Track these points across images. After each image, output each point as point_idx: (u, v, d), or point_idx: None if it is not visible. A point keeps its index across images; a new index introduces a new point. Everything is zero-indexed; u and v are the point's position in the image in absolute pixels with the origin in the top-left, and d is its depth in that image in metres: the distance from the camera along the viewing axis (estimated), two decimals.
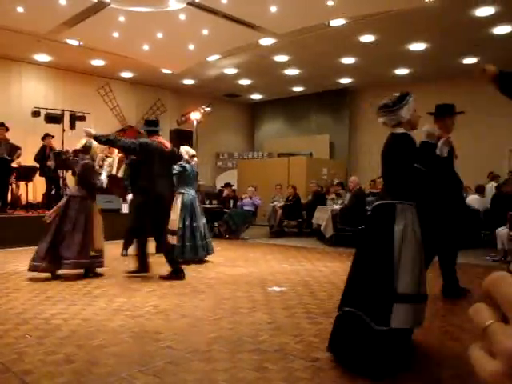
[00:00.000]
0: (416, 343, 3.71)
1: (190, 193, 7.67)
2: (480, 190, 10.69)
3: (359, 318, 3.10)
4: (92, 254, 6.09)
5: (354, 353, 3.12)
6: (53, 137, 11.26)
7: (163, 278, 6.14)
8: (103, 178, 6.43)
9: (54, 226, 6.02)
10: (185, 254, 7.31)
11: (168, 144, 6.54)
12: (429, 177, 3.49)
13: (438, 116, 5.32)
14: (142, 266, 6.31)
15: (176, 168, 7.22)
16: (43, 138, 11.12)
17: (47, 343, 3.54)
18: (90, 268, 6.20)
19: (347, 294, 3.36)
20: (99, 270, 6.33)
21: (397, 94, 3.45)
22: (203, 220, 7.75)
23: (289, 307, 4.77)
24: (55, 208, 6.30)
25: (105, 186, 6.46)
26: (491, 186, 10.93)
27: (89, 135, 6.07)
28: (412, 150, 3.39)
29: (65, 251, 5.93)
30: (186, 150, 7.66)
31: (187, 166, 7.62)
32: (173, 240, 7.05)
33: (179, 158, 6.91)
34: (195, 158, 7.90)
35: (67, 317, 4.27)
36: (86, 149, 6.34)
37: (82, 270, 6.17)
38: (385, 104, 3.43)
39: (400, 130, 3.42)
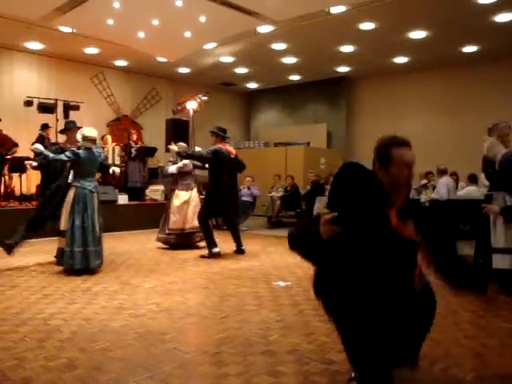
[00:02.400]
0: (433, 342, 3.57)
1: (86, 186, 6.14)
2: (473, 179, 10.33)
3: None
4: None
5: None
6: (51, 127, 11.04)
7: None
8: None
9: None
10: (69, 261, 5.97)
11: (233, 151, 7.69)
12: None
13: None
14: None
15: (67, 154, 6.09)
16: (42, 129, 10.90)
17: (48, 347, 3.36)
18: None
19: None
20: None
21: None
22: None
23: (296, 304, 4.62)
24: None
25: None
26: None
27: (173, 153, 7.86)
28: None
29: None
30: (81, 132, 6.25)
31: (82, 152, 6.13)
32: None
33: (243, 165, 7.98)
34: (98, 142, 6.94)
35: (67, 317, 4.09)
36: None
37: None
38: None
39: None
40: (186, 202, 8.19)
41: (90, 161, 6.20)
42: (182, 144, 8.52)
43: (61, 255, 6.05)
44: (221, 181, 7.37)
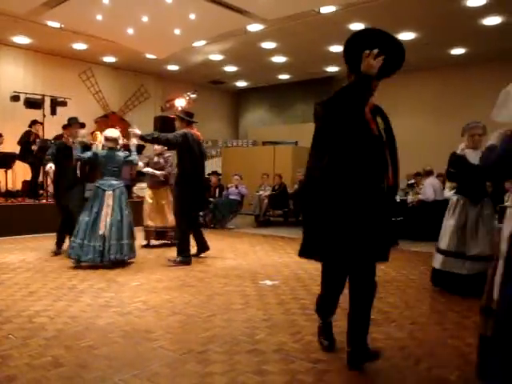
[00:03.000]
0: (417, 342, 3.60)
1: (102, 185, 6.47)
2: None
3: None
4: None
5: None
6: (41, 124, 10.94)
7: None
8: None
9: None
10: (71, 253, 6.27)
11: (200, 135, 6.90)
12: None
13: None
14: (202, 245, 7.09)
15: (88, 154, 6.58)
16: (31, 125, 10.82)
17: (33, 344, 3.34)
18: None
19: None
20: None
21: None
22: (108, 218, 6.30)
23: (283, 302, 4.63)
24: None
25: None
26: None
27: (135, 136, 6.47)
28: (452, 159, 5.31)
29: None
30: (103, 133, 6.86)
31: (101, 152, 6.66)
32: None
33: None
34: (133, 141, 6.85)
35: (52, 314, 4.06)
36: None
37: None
38: None
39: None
40: (156, 199, 8.14)
41: (110, 160, 6.48)
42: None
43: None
44: (195, 167, 6.59)
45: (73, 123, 7.34)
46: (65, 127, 7.64)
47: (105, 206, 6.25)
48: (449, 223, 5.16)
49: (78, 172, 7.08)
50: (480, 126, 5.14)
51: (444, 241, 5.16)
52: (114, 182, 6.45)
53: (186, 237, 6.62)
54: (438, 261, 5.22)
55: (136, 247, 6.66)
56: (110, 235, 6.16)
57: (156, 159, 8.23)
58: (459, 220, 5.06)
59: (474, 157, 4.87)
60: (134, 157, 6.73)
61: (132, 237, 6.44)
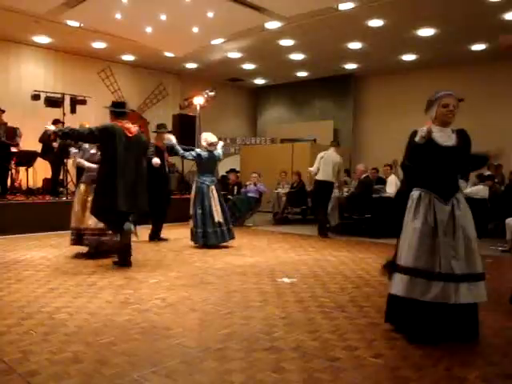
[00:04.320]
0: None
1: (205, 181, 7.77)
2: (482, 179, 10.37)
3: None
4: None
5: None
6: (63, 123, 11.05)
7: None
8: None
9: None
10: (206, 240, 7.70)
11: (134, 130, 6.12)
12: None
13: None
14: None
15: (192, 154, 7.85)
16: (53, 124, 10.93)
17: (53, 340, 3.38)
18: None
19: None
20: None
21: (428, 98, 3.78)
22: (218, 207, 7.75)
23: (301, 300, 4.62)
24: None
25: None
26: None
27: (49, 132, 6.42)
28: (407, 146, 3.73)
29: None
30: (204, 138, 7.94)
31: (203, 153, 7.80)
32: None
33: (146, 144, 6.68)
34: (220, 143, 8.16)
35: (72, 311, 4.10)
36: None
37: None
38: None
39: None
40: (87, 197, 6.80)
41: (210, 161, 7.88)
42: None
43: (191, 234, 7.85)
44: (113, 167, 5.84)
45: (162, 131, 8.44)
46: (156, 132, 8.63)
47: (212, 199, 7.66)
48: (411, 227, 3.59)
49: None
50: (453, 95, 3.70)
51: (408, 253, 3.55)
52: (214, 178, 7.92)
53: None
54: (398, 284, 3.57)
55: (151, 244, 6.69)
56: (222, 222, 7.72)
57: (93, 151, 6.96)
58: (425, 223, 3.53)
59: (443, 137, 3.62)
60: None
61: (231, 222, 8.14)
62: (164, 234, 8.55)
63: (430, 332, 3.49)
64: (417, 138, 3.56)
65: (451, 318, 3.52)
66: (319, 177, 9.44)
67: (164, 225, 8.60)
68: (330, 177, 9.38)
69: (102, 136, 5.88)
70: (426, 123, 3.70)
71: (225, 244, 7.90)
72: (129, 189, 5.90)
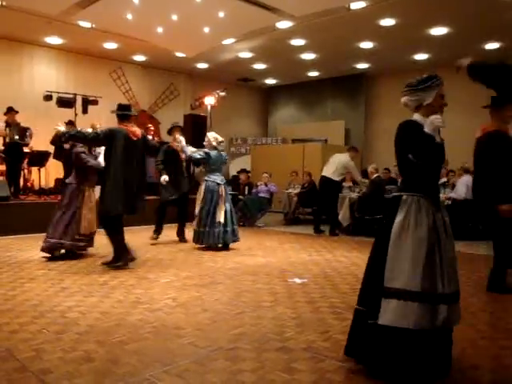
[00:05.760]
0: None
1: (215, 180, 7.68)
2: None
3: (363, 314, 2.98)
4: (76, 237, 6.46)
5: (373, 355, 2.90)
6: (75, 126, 11.12)
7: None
8: (100, 159, 6.49)
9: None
10: (203, 240, 7.54)
11: (138, 132, 6.16)
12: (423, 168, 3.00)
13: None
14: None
15: (200, 153, 7.70)
16: (67, 125, 11.02)
17: (65, 339, 3.40)
18: (71, 250, 6.59)
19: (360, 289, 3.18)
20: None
21: (425, 75, 3.10)
22: (226, 207, 7.62)
23: (312, 301, 4.61)
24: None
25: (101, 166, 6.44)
26: None
27: (59, 133, 6.27)
28: (411, 139, 3.02)
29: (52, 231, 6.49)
30: (213, 137, 7.84)
31: (212, 152, 7.71)
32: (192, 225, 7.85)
33: (154, 147, 6.68)
34: (222, 144, 8.06)
35: (84, 310, 4.13)
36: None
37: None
38: (409, 83, 3.12)
39: (415, 117, 3.11)
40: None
41: (219, 160, 7.78)
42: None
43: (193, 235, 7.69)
44: (116, 169, 5.86)
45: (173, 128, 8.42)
46: (169, 134, 8.57)
47: (221, 198, 7.55)
48: (414, 238, 2.87)
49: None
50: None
51: (414, 272, 2.83)
52: (223, 178, 7.86)
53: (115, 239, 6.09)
54: (389, 312, 2.84)
55: (163, 244, 6.70)
56: (224, 222, 7.47)
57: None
58: (433, 233, 2.90)
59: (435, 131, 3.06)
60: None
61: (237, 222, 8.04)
62: (173, 234, 8.56)
63: (429, 369, 2.87)
64: (429, 129, 2.98)
65: (443, 346, 2.99)
66: (323, 173, 9.81)
67: (172, 225, 8.63)
68: (329, 173, 9.60)
69: (106, 139, 5.91)
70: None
71: (233, 245, 7.75)
72: (129, 192, 5.92)
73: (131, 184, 5.94)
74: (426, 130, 2.99)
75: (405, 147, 3.06)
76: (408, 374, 2.80)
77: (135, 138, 6.04)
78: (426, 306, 2.80)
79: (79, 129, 6.83)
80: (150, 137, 12.18)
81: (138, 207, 6.10)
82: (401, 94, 3.22)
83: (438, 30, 11.14)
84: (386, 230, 2.97)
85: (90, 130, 6.49)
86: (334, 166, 9.59)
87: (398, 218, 2.93)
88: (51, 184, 11.64)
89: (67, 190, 6.64)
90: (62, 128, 6.16)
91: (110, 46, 12.87)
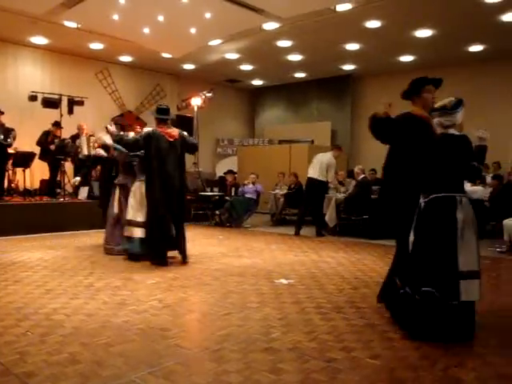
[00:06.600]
0: (433, 342, 3.56)
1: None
2: (482, 180, 10.43)
3: (432, 295, 3.51)
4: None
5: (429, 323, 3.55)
6: (61, 128, 11.06)
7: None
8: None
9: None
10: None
11: (175, 133, 6.41)
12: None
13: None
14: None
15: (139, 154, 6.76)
16: (53, 126, 10.99)
17: (50, 341, 3.38)
18: None
19: (411, 276, 3.71)
20: None
21: (453, 99, 3.70)
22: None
23: (298, 301, 4.62)
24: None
25: None
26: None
27: (109, 132, 6.65)
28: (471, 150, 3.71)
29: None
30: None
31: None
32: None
33: (193, 145, 6.82)
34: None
35: (69, 312, 4.10)
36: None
37: None
38: (444, 106, 3.70)
39: (453, 131, 3.70)
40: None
41: None
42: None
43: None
44: (153, 172, 6.24)
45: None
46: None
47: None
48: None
49: None
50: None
51: (471, 255, 3.59)
52: None
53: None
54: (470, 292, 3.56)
55: None
56: None
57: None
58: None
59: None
60: None
61: None
62: None
63: (435, 329, 3.56)
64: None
65: (454, 315, 3.58)
66: (308, 174, 9.87)
67: None
68: (314, 174, 9.67)
69: (145, 143, 6.24)
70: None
71: (219, 246, 7.75)
72: (169, 193, 6.22)
73: (169, 185, 6.23)
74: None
75: (472, 156, 3.70)
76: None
77: (171, 139, 6.31)
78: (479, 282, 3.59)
79: (121, 133, 7.18)
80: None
81: (176, 208, 6.31)
82: (433, 115, 3.80)
83: (423, 32, 11.23)
84: (448, 224, 3.57)
85: (131, 135, 6.98)
86: (318, 165, 9.66)
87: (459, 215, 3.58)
88: (36, 185, 11.55)
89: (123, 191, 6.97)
90: (113, 128, 6.55)
91: (96, 46, 12.79)
